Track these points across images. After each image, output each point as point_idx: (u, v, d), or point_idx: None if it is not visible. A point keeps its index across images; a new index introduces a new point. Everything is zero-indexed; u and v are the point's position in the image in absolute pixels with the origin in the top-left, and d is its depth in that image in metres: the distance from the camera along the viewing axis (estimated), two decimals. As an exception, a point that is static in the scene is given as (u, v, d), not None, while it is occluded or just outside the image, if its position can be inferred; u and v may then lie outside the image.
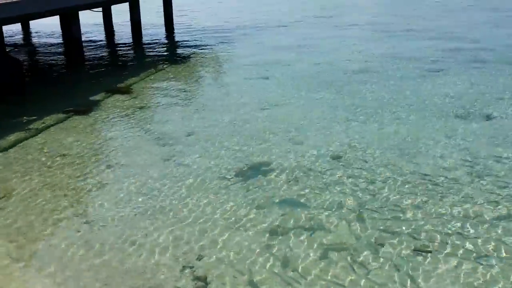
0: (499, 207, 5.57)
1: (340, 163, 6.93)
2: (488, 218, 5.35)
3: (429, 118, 8.64)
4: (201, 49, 17.03)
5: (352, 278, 4.56)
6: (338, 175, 6.56)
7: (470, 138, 7.57)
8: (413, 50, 14.91)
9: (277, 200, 6.00)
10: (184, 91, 11.42)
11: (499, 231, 5.11)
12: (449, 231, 5.15)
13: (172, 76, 13.10)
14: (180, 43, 18.74)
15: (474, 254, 4.77)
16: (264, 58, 14.94)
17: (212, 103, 10.30)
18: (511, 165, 6.58)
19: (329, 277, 4.57)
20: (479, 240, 4.97)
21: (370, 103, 9.72)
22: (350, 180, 6.41)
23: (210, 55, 16.16)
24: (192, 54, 16.25)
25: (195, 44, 17.95)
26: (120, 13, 21.67)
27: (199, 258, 4.94)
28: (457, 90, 10.19)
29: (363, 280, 4.52)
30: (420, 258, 4.77)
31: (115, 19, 21.65)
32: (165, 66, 14.36)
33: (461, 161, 6.78)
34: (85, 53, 15.65)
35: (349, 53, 15.14)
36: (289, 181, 6.46)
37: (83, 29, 15.05)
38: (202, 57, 15.71)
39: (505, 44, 14.98)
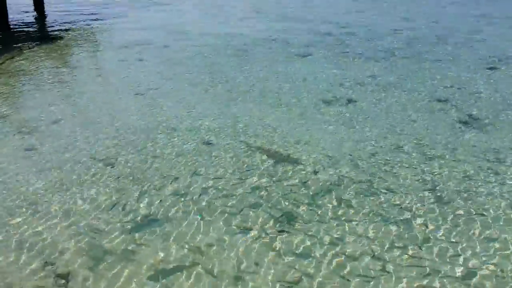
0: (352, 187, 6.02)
1: (211, 148, 7.02)
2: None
3: (295, 102, 9.00)
4: (73, 29, 16.22)
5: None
6: (210, 159, 6.66)
7: (332, 121, 8.02)
8: (284, 33, 15.38)
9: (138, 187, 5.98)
10: (53, 75, 10.80)
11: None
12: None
13: (40, 58, 12.32)
14: (50, 22, 17.64)
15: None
16: (139, 39, 14.66)
17: (82, 88, 9.88)
18: (365, 145, 7.08)
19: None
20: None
21: (241, 86, 9.90)
22: (219, 164, 6.54)
23: (83, 35, 15.45)
24: (63, 34, 15.41)
25: (66, 24, 17.04)
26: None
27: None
28: (323, 75, 10.71)
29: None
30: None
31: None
32: (32, 46, 13.45)
33: (321, 142, 7.17)
34: None
35: (223, 35, 15.27)
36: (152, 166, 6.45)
37: None
38: (74, 38, 14.97)
39: (368, 29, 15.97)
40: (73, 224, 5.27)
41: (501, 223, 5.16)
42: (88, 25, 17.01)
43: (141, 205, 5.63)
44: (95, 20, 17.93)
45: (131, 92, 9.56)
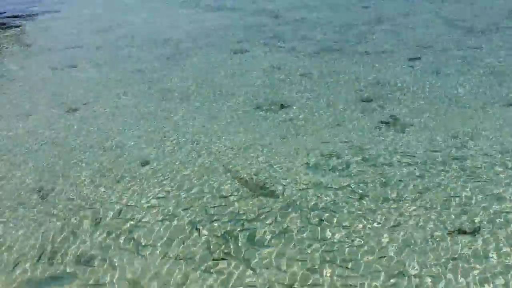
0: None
1: (147, 168, 7.19)
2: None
3: (230, 107, 9.24)
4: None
5: None
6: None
7: (265, 130, 8.33)
8: (219, 26, 15.46)
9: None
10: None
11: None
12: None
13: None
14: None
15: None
16: (71, 40, 14.44)
17: (7, 107, 9.71)
18: (295, 158, 7.44)
19: None
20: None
21: (177, 93, 10.04)
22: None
23: (11, 37, 14.96)
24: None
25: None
26: None
27: None
28: (258, 75, 10.95)
29: None
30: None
31: None
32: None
33: (259, 154, 7.48)
34: None
35: (157, 29, 15.18)
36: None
37: None
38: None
39: (301, 18, 16.25)
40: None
41: (416, 226, 5.67)
42: (16, 24, 16.46)
43: (73, 243, 5.75)
44: (23, 18, 17.35)
45: (64, 109, 9.50)
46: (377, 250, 5.42)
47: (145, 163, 7.37)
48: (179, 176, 6.98)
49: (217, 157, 7.43)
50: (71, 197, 6.60)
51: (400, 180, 6.64)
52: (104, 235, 5.83)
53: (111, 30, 15.44)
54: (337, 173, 6.87)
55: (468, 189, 6.37)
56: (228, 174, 6.98)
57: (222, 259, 5.38)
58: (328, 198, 6.32)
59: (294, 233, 5.71)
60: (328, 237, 5.64)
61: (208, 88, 10.26)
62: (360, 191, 6.45)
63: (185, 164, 7.29)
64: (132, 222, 6.04)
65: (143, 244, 5.66)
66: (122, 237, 5.78)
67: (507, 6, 16.57)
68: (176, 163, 7.33)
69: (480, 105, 8.88)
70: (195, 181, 6.83)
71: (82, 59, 12.62)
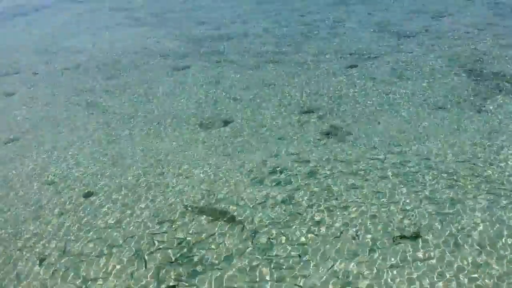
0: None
1: (91, 199, 7.10)
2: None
3: (173, 127, 9.23)
4: None
5: None
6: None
7: (210, 149, 8.37)
8: (160, 42, 15.40)
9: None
10: None
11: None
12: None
13: None
14: None
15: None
16: (6, 65, 13.99)
17: None
18: (238, 175, 7.53)
19: None
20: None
21: (119, 117, 9.94)
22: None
23: None
24: None
25: None
26: None
27: None
28: (200, 92, 10.98)
29: None
30: None
31: None
32: None
33: (199, 169, 7.52)
34: None
35: (94, 50, 14.95)
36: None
37: None
38: None
39: (240, 30, 16.39)
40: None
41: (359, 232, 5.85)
42: None
43: (16, 281, 5.61)
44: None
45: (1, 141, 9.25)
46: (323, 260, 5.56)
47: (88, 194, 7.26)
48: (124, 200, 6.92)
49: (162, 179, 7.42)
50: (9, 232, 6.43)
51: (343, 189, 6.84)
52: (49, 271, 5.72)
53: (48, 54, 15.07)
54: (282, 186, 7.01)
55: (408, 194, 6.65)
56: (174, 195, 6.98)
57: (173, 286, 5.39)
58: (274, 210, 6.44)
59: (243, 249, 5.78)
60: (275, 250, 5.74)
61: (149, 108, 10.21)
62: (306, 201, 6.60)
63: (129, 188, 7.23)
64: (76, 255, 5.94)
65: (89, 278, 5.59)
66: (68, 272, 5.69)
67: (434, 8, 17.31)
68: (121, 188, 7.26)
69: (416, 110, 9.25)
70: (141, 205, 6.79)
71: (20, 86, 12.25)
